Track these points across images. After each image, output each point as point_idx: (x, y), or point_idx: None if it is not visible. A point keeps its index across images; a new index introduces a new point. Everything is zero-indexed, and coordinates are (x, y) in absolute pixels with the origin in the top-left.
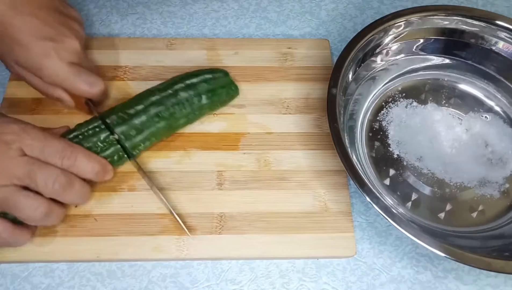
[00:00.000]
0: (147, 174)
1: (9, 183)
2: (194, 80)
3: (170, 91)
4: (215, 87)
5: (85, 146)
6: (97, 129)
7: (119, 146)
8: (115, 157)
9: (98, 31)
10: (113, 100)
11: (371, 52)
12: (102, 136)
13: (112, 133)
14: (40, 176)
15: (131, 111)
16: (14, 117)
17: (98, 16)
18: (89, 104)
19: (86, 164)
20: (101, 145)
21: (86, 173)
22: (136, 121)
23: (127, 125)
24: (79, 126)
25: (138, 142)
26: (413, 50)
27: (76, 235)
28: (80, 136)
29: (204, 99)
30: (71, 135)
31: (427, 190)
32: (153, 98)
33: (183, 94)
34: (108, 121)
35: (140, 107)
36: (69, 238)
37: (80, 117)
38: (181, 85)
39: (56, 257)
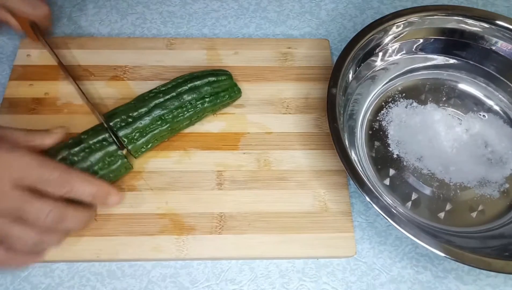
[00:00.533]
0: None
1: (1, 214)
2: (198, 82)
3: (173, 94)
4: (218, 90)
5: (92, 160)
6: (104, 143)
7: (125, 159)
8: (122, 170)
9: (98, 31)
10: (113, 100)
11: (371, 52)
12: (111, 149)
13: (120, 147)
14: (32, 210)
15: (135, 114)
16: (8, 140)
17: (98, 16)
18: (34, 28)
19: (84, 190)
20: (109, 160)
21: (84, 197)
22: (140, 124)
23: (130, 128)
24: (86, 136)
25: (140, 145)
26: (413, 50)
27: (76, 235)
28: (87, 150)
29: (207, 103)
30: (78, 148)
31: (427, 190)
32: (157, 101)
33: (186, 97)
34: (111, 124)
35: (143, 110)
36: (69, 238)
37: (81, 117)
38: (184, 87)
39: (56, 257)
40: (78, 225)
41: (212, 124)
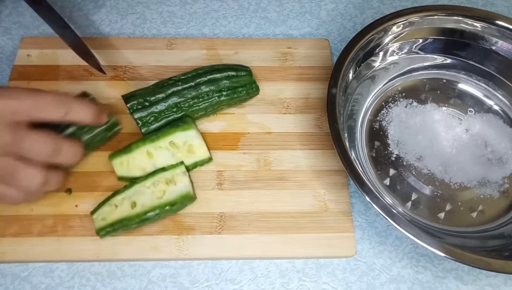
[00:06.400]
0: None
1: (3, 153)
2: (217, 75)
3: (192, 83)
4: (236, 85)
5: None
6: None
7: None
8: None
9: (98, 31)
10: (113, 100)
11: (371, 52)
12: None
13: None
14: (27, 144)
15: (152, 98)
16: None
17: (98, 16)
18: None
19: (82, 110)
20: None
21: (83, 118)
22: (155, 109)
23: (146, 111)
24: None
25: (154, 129)
26: (413, 49)
27: (76, 235)
28: None
29: (223, 96)
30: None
31: (427, 190)
32: (175, 89)
33: (204, 88)
34: (128, 105)
35: (161, 95)
36: (69, 238)
37: None
38: (203, 79)
39: (56, 257)
40: (73, 157)
41: (212, 124)
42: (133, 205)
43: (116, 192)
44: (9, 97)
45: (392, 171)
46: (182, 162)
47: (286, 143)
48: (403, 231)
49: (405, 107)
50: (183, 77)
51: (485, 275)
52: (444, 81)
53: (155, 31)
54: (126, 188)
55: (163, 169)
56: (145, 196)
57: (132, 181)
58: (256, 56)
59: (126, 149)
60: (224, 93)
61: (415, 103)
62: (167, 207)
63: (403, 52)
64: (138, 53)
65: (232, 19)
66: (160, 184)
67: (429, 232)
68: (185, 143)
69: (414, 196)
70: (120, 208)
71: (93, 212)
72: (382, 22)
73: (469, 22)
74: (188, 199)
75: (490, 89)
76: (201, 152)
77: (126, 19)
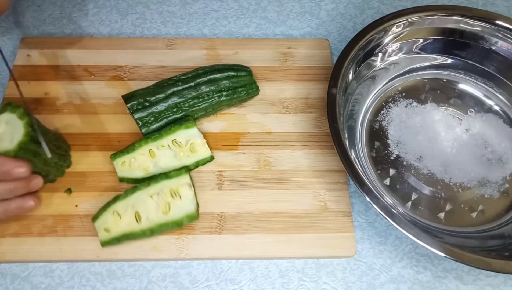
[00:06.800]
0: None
1: None
2: (217, 75)
3: (192, 84)
4: (236, 86)
5: None
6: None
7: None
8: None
9: (98, 31)
10: (113, 100)
11: (371, 52)
12: None
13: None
14: None
15: (152, 98)
16: None
17: (98, 16)
18: None
19: None
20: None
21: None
22: (155, 109)
23: (146, 112)
24: None
25: (154, 130)
26: (413, 49)
27: (76, 235)
28: None
29: (223, 96)
30: None
31: (427, 190)
32: (175, 89)
33: (204, 89)
34: (128, 105)
35: (161, 96)
36: (69, 238)
37: (81, 117)
38: (203, 79)
39: (56, 257)
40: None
41: (212, 124)
42: (138, 216)
43: (117, 197)
44: None
45: (392, 171)
46: (187, 171)
47: (286, 143)
48: (403, 231)
49: (405, 107)
50: (183, 77)
51: (485, 275)
52: (444, 81)
53: (155, 31)
54: (127, 193)
55: (166, 176)
56: (149, 207)
57: (134, 186)
58: (256, 56)
59: (129, 148)
60: (224, 93)
61: (415, 103)
62: (173, 226)
63: (403, 52)
64: (138, 53)
65: (232, 19)
66: (165, 196)
67: (429, 232)
68: (187, 142)
69: (414, 196)
70: (124, 219)
71: (94, 219)
72: (382, 22)
73: (469, 22)
74: (193, 218)
75: (490, 89)
76: (203, 151)
77: (126, 19)
